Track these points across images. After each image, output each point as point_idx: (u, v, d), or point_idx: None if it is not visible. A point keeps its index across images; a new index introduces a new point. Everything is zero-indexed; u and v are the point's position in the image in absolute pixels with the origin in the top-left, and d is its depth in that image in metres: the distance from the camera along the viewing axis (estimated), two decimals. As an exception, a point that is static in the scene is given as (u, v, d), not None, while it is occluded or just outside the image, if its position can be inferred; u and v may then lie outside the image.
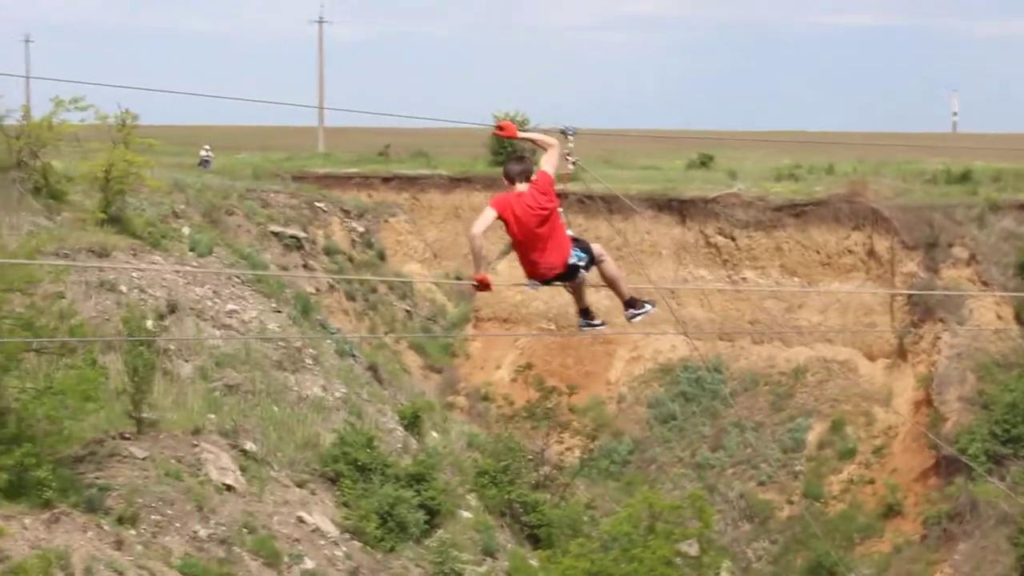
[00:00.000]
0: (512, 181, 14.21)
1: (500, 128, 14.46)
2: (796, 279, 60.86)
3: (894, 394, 56.01)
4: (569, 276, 14.38)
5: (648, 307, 15.39)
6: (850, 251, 60.12)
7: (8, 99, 49.15)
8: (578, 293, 14.98)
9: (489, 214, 14.02)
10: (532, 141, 14.71)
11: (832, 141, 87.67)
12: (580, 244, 14.41)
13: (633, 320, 15.37)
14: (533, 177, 14.16)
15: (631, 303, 15.28)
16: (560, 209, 14.21)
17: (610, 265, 14.83)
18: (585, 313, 15.32)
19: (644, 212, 64.26)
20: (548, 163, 14.21)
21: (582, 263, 14.30)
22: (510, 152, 78.64)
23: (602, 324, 15.60)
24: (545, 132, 14.90)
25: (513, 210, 13.97)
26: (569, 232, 14.37)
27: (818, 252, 60.79)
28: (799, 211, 61.78)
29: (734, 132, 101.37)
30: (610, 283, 14.99)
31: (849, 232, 60.19)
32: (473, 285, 14.25)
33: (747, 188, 64.69)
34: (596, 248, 14.66)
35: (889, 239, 58.51)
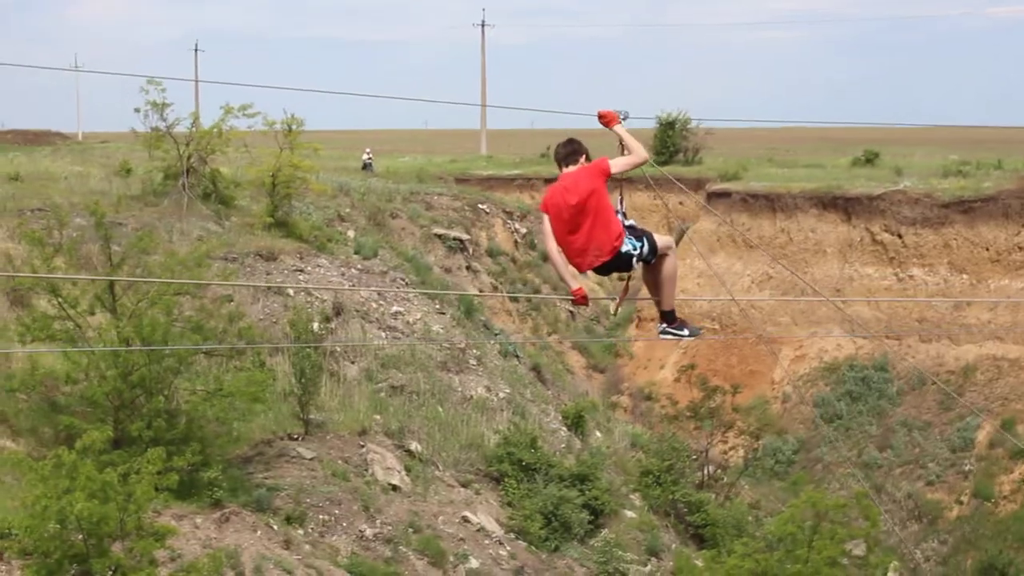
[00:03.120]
0: (559, 164, 13.65)
1: (601, 116, 13.77)
2: (965, 276, 59.84)
3: (1066, 392, 54.86)
4: (622, 266, 13.38)
5: (686, 332, 14.19)
6: (1020, 248, 58.96)
7: (178, 107, 50.12)
8: (653, 290, 13.98)
9: (546, 222, 13.46)
10: (622, 139, 13.66)
11: (1000, 139, 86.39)
12: (637, 232, 13.37)
13: (662, 336, 14.22)
14: (585, 160, 13.48)
15: (670, 316, 14.06)
16: (620, 200, 13.39)
17: (670, 264, 13.69)
18: (668, 317, 14.10)
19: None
20: (620, 160, 13.43)
21: (636, 251, 13.25)
22: (669, 148, 78.49)
23: (688, 333, 14.25)
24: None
25: (553, 201, 13.33)
26: (628, 221, 13.40)
27: (987, 249, 59.72)
28: (967, 207, 60.73)
29: (898, 129, 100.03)
30: (658, 281, 13.79)
31: (1019, 228, 59.03)
32: (573, 301, 13.58)
33: (913, 185, 63.77)
34: (663, 241, 13.59)
35: (1060, 234, 57.39)
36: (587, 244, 13.24)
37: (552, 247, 13.43)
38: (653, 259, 13.54)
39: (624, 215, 13.47)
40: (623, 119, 13.79)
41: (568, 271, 13.51)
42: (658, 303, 14.01)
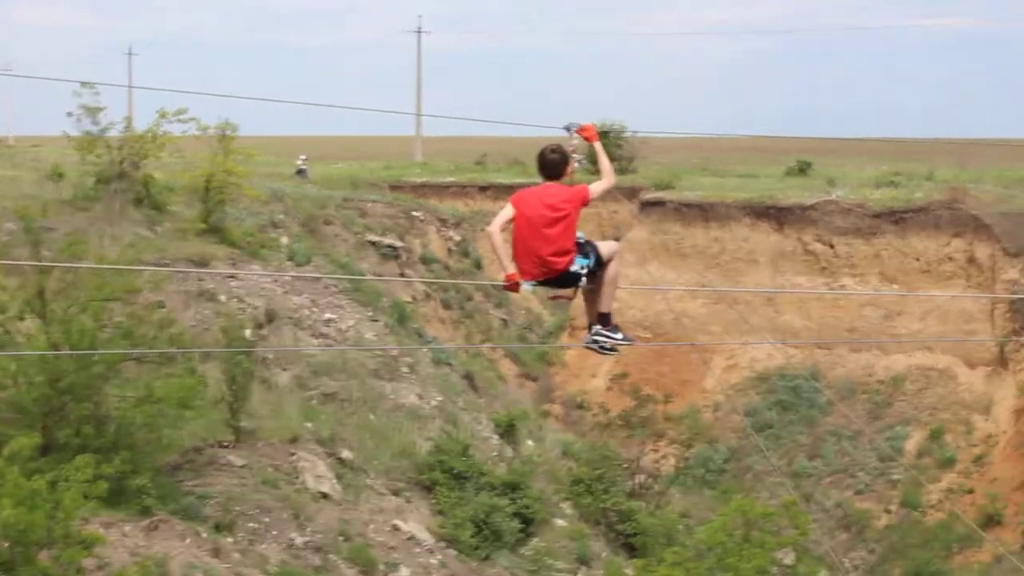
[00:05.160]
0: (544, 173, 13.73)
1: (584, 129, 13.86)
2: (895, 286, 60.31)
3: (994, 402, 55.32)
4: (566, 283, 13.64)
5: (621, 336, 14.19)
6: (950, 258, 59.51)
7: (112, 112, 49.77)
8: (587, 305, 14.22)
9: (507, 210, 13.62)
10: (598, 157, 13.91)
11: (932, 150, 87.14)
12: (586, 248, 13.61)
13: (592, 342, 14.23)
14: (571, 179, 13.67)
15: (605, 319, 14.13)
16: None
17: (611, 269, 13.85)
18: (603, 319, 14.15)
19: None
20: (598, 186, 13.68)
21: (584, 271, 13.53)
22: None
23: (612, 349, 14.27)
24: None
25: (528, 203, 13.51)
26: (580, 235, 13.60)
27: (917, 259, 60.22)
28: (898, 218, 61.23)
29: (831, 140, 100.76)
30: (598, 287, 13.90)
31: (949, 239, 59.57)
32: (503, 286, 13.59)
33: (846, 195, 64.25)
34: (607, 248, 13.89)
35: (990, 246, 57.84)
36: (545, 257, 13.42)
37: (497, 227, 13.63)
38: (599, 271, 13.74)
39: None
40: (572, 132, 13.97)
41: (507, 255, 13.61)
42: (598, 305, 14.13)
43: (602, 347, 14.27)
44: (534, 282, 13.62)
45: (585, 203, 13.52)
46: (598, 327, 14.18)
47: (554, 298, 14.34)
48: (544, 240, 13.40)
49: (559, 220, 13.38)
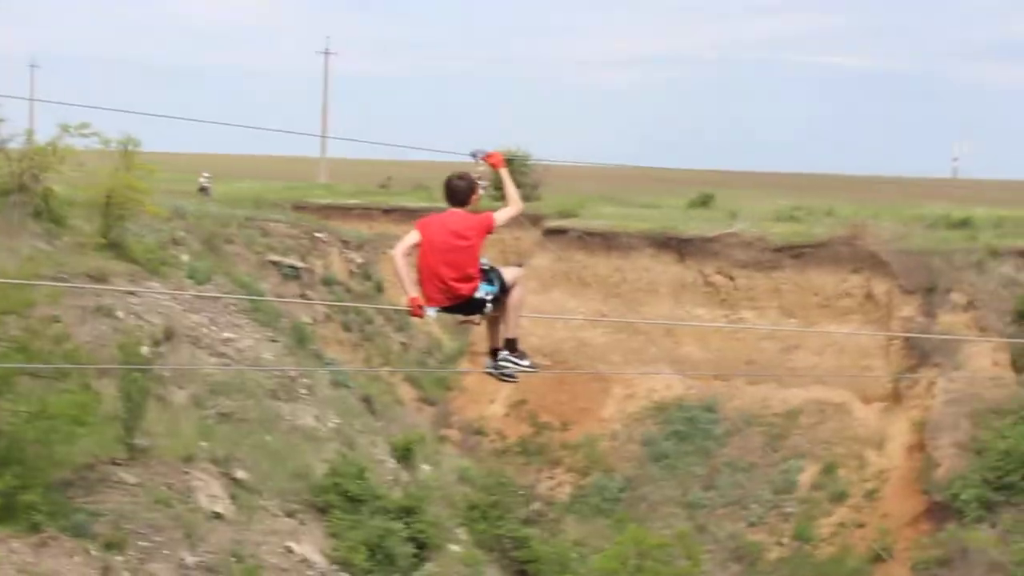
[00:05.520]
0: (450, 199, 13.77)
1: (490, 156, 13.86)
2: (793, 320, 60.86)
3: (887, 438, 55.93)
4: (472, 309, 13.68)
5: (527, 363, 14.17)
6: (848, 294, 60.16)
7: (12, 124, 49.04)
8: (490, 330, 14.21)
9: (412, 235, 13.65)
10: (504, 184, 13.92)
11: (832, 185, 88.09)
12: (491, 275, 13.66)
13: (495, 368, 14.15)
14: (475, 207, 13.69)
15: (511, 344, 14.07)
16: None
17: (516, 294, 13.85)
18: (496, 354, 14.18)
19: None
20: (503, 214, 13.68)
21: (489, 297, 13.59)
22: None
23: (511, 377, 14.18)
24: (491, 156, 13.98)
25: (433, 229, 13.53)
26: (484, 262, 13.64)
27: (816, 294, 60.82)
28: (798, 252, 61.84)
29: (734, 172, 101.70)
30: (503, 312, 13.88)
31: (847, 275, 60.23)
32: (407, 311, 13.57)
33: (747, 228, 64.76)
34: (511, 274, 13.92)
35: (887, 283, 58.54)
36: (449, 283, 13.45)
37: (400, 252, 13.67)
38: (503, 296, 13.76)
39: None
40: (479, 159, 13.97)
41: (410, 279, 13.60)
42: (503, 330, 14.09)
43: (503, 374, 14.23)
44: (439, 308, 13.63)
45: (490, 231, 13.58)
46: (505, 353, 14.14)
47: (463, 322, 14.31)
48: (448, 266, 13.42)
49: (463, 248, 13.43)
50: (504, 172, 13.94)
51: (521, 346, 14.24)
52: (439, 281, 13.49)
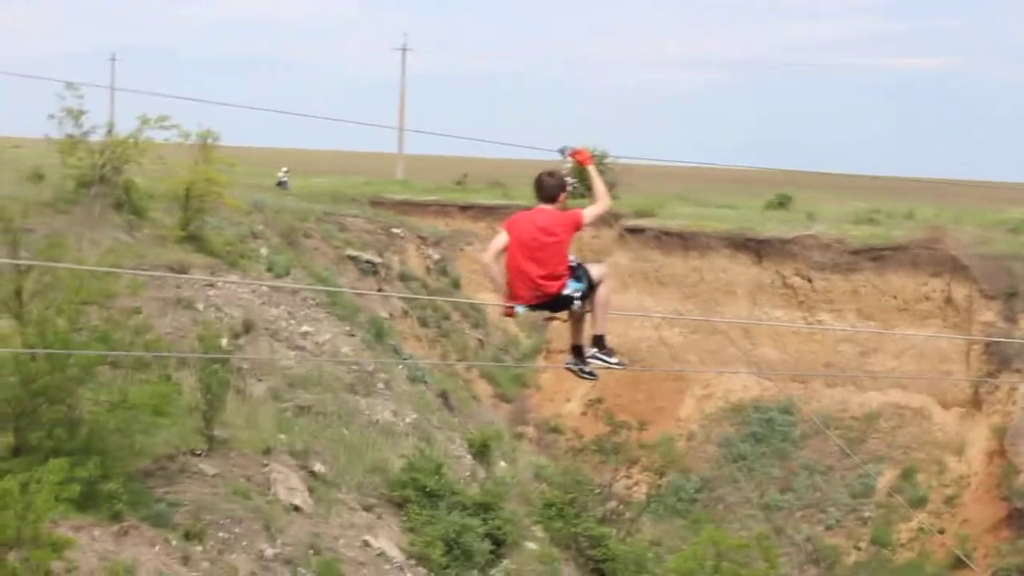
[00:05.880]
0: (540, 196, 13.67)
1: (577, 153, 13.81)
2: (872, 324, 60.33)
3: (967, 443, 55.37)
4: (559, 306, 13.59)
5: (615, 360, 14.14)
6: (927, 298, 59.57)
7: (93, 116, 49.49)
8: (573, 327, 14.04)
9: (501, 238, 13.61)
10: (592, 182, 13.75)
11: (910, 188, 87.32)
12: (578, 272, 13.55)
13: (580, 365, 14.05)
14: (563, 204, 13.59)
15: (599, 341, 13.98)
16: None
17: (603, 291, 13.71)
18: (577, 351, 14.11)
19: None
20: (591, 211, 13.57)
21: (577, 295, 13.47)
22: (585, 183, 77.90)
23: (591, 374, 14.16)
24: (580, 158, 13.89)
25: (521, 226, 13.50)
26: (571, 259, 13.52)
27: (895, 297, 60.28)
28: (877, 255, 61.31)
29: (811, 174, 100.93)
30: (590, 308, 13.73)
31: (927, 279, 59.64)
32: (503, 312, 13.67)
33: (825, 230, 64.30)
34: (598, 271, 13.77)
35: (968, 287, 57.93)
36: (537, 280, 13.34)
37: (490, 256, 13.69)
38: (590, 293, 13.61)
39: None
40: (567, 155, 13.87)
41: (501, 282, 13.63)
42: (591, 327, 13.91)
43: (581, 371, 14.14)
44: (527, 306, 13.53)
45: (578, 228, 13.46)
46: (593, 350, 14.02)
47: (549, 319, 14.17)
48: (536, 263, 13.33)
49: (552, 244, 13.32)
50: (592, 169, 13.79)
51: (608, 343, 14.07)
52: (527, 279, 13.37)
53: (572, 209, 13.58)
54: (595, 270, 13.74)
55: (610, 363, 14.09)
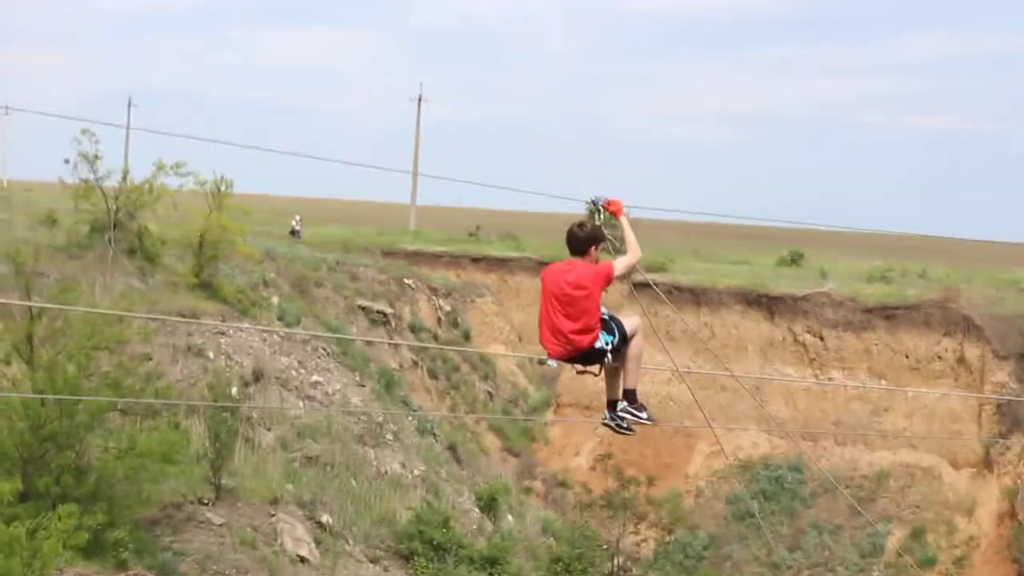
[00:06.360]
0: (571, 249, 13.45)
1: (610, 204, 13.65)
2: (883, 382, 60.11)
3: (978, 504, 55.06)
4: (592, 359, 13.36)
5: (645, 416, 13.84)
6: (940, 357, 59.36)
7: (108, 161, 49.46)
8: (608, 381, 13.84)
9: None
10: (624, 232, 13.66)
11: (921, 247, 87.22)
12: (610, 325, 13.34)
13: (618, 420, 13.79)
14: (595, 257, 13.36)
15: (630, 396, 13.75)
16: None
17: (636, 344, 13.52)
18: (612, 406, 13.83)
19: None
20: (622, 262, 13.38)
21: (608, 347, 13.26)
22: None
23: (629, 429, 13.88)
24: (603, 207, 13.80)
25: (552, 279, 13.26)
26: (604, 311, 13.31)
27: (907, 356, 60.08)
28: (890, 314, 61.15)
29: (823, 231, 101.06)
30: (623, 362, 13.57)
31: (940, 338, 59.45)
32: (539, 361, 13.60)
33: (837, 288, 64.19)
34: (631, 324, 13.54)
35: (980, 347, 57.73)
36: (568, 335, 13.19)
37: None
38: (623, 347, 13.45)
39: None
40: (600, 205, 13.76)
41: None
42: (623, 382, 13.75)
43: (619, 426, 13.90)
44: (559, 359, 13.37)
45: (609, 281, 13.25)
46: (624, 404, 13.80)
47: (582, 372, 13.99)
48: (568, 318, 13.18)
49: (582, 298, 13.13)
50: (624, 220, 13.68)
51: (640, 398, 13.89)
52: (559, 333, 13.23)
53: (603, 261, 13.41)
54: (628, 323, 13.57)
55: (640, 418, 13.88)
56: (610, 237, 13.66)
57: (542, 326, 13.38)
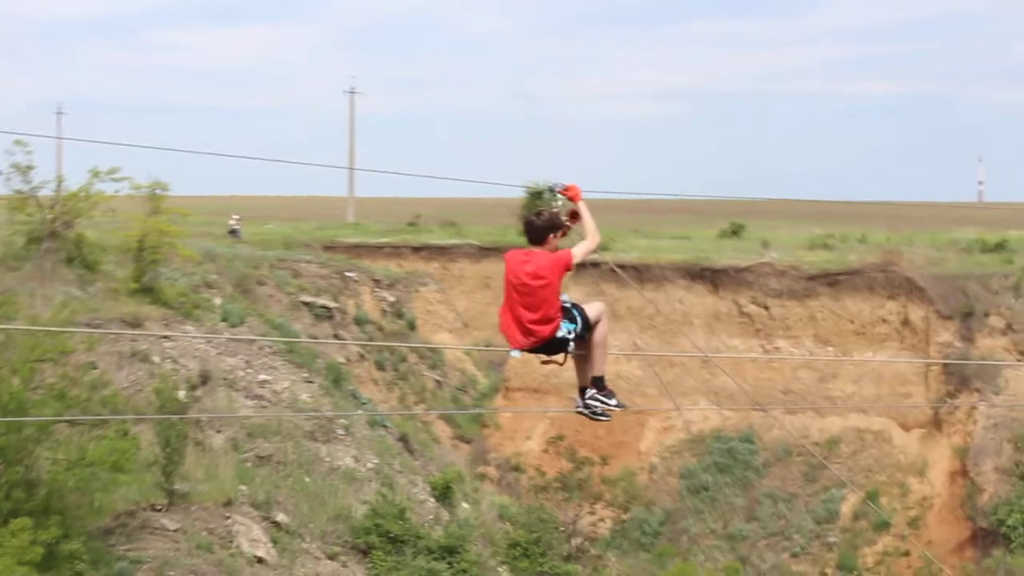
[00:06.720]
0: (529, 239, 13.44)
1: (568, 189, 13.50)
2: (830, 349, 60.44)
3: (929, 465, 55.42)
4: (555, 349, 13.32)
5: (614, 402, 13.83)
6: (884, 320, 59.72)
7: (40, 172, 48.99)
8: (578, 369, 13.83)
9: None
10: (583, 218, 13.49)
11: (859, 213, 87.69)
12: (572, 313, 13.28)
13: (585, 407, 13.78)
14: (554, 246, 13.30)
15: (599, 384, 13.77)
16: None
17: (600, 330, 13.51)
18: (584, 393, 13.83)
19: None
20: (580, 248, 13.27)
21: (571, 335, 13.23)
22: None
23: (604, 415, 13.83)
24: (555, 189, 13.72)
25: (511, 267, 13.23)
26: (565, 299, 13.28)
27: (852, 321, 60.41)
28: (833, 280, 61.48)
29: (761, 202, 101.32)
30: (588, 350, 13.55)
31: (883, 301, 59.81)
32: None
33: (780, 257, 64.44)
34: (594, 311, 13.52)
35: (924, 308, 58.12)
36: (528, 325, 13.14)
37: None
38: (587, 334, 13.40)
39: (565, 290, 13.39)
40: (558, 192, 13.63)
41: None
42: (589, 369, 13.73)
43: (594, 412, 13.88)
44: (521, 349, 13.31)
45: (568, 268, 13.20)
46: (592, 391, 13.79)
47: (546, 363, 13.91)
48: (527, 308, 13.11)
49: (541, 288, 13.05)
50: (583, 205, 13.56)
51: (608, 384, 13.91)
52: (520, 324, 13.18)
53: (562, 250, 13.32)
54: (591, 310, 13.52)
55: (609, 404, 13.86)
56: (568, 224, 13.55)
57: (504, 316, 13.32)
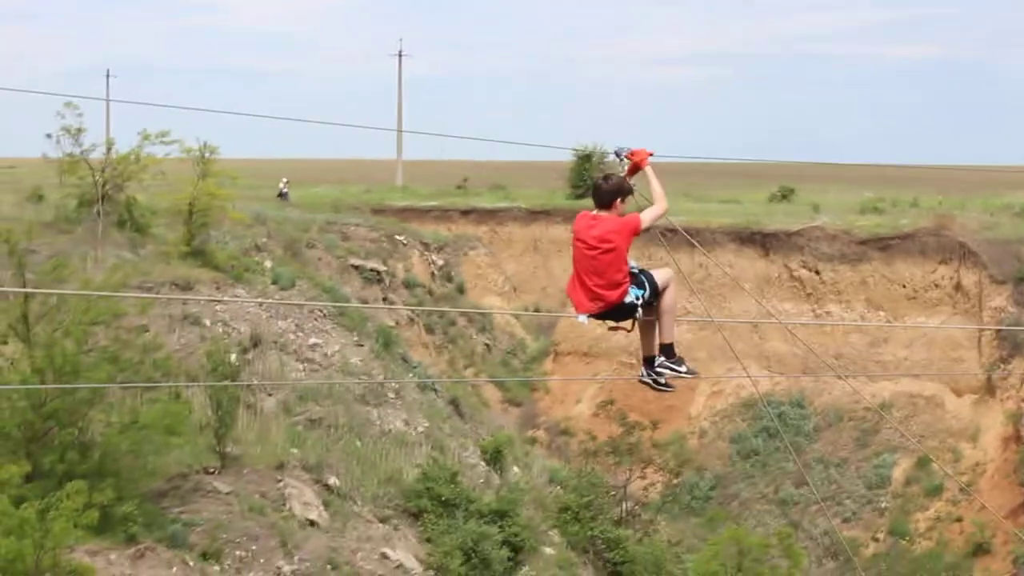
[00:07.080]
0: (596, 202, 13.07)
1: (634, 154, 13.10)
2: (881, 313, 60.04)
3: (982, 430, 55.03)
4: (622, 315, 12.98)
5: (685, 369, 13.40)
6: (936, 285, 59.27)
7: (91, 135, 48.96)
8: (643, 337, 13.42)
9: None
10: (650, 184, 13.11)
11: (911, 177, 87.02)
12: (640, 279, 12.93)
13: (655, 376, 13.33)
14: (621, 210, 12.91)
15: (668, 350, 13.33)
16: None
17: (669, 297, 13.10)
18: (649, 362, 13.36)
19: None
20: (649, 214, 12.88)
21: (639, 301, 12.85)
22: (585, 181, 76.75)
23: (667, 386, 13.39)
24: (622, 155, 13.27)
25: (579, 233, 12.90)
26: (633, 265, 12.92)
27: (904, 286, 59.99)
28: (884, 245, 61.03)
29: (815, 165, 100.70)
30: (657, 316, 13.16)
31: (936, 266, 59.36)
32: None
33: (830, 221, 64.03)
34: (662, 276, 13.14)
35: (977, 273, 57.65)
36: (595, 290, 12.81)
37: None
38: (655, 300, 13.09)
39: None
40: (623, 157, 13.33)
41: None
42: (658, 336, 13.37)
43: (656, 382, 13.47)
44: (589, 314, 13.00)
45: (635, 233, 12.78)
46: (661, 359, 13.38)
47: (613, 329, 13.65)
48: (595, 273, 12.78)
49: (608, 252, 12.71)
50: (650, 170, 13.14)
51: (678, 351, 13.50)
52: (587, 289, 12.85)
53: (630, 214, 12.97)
54: (659, 276, 13.16)
55: (679, 371, 13.44)
56: (636, 187, 13.27)
57: (572, 281, 13.05)
